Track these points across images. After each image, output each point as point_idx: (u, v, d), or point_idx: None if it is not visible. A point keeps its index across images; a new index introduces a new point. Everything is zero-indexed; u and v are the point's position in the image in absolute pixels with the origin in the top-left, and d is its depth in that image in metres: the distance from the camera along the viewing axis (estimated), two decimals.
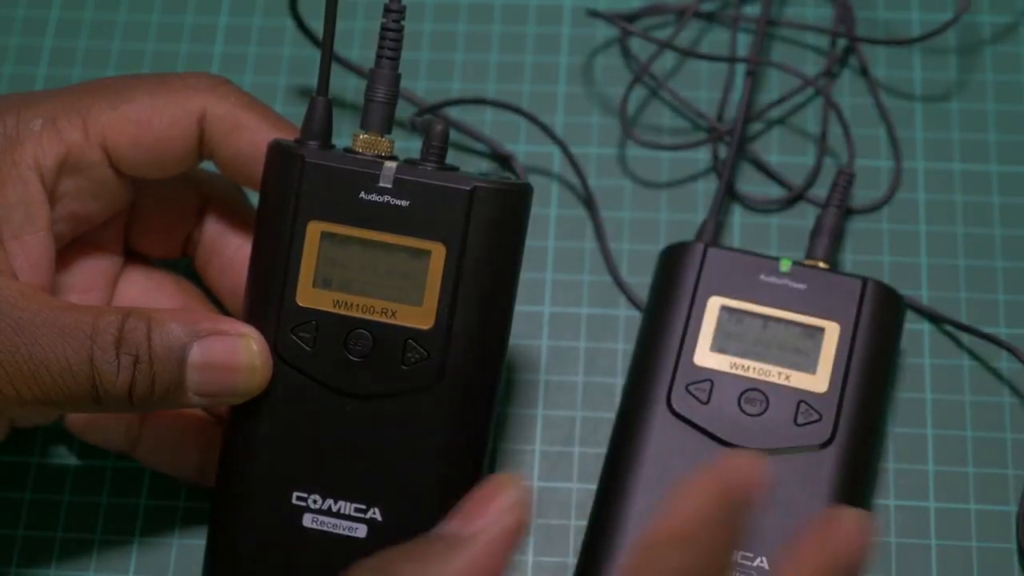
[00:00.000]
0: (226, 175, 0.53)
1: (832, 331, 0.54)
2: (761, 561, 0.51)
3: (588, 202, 0.61)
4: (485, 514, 0.40)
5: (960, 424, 0.57)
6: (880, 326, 0.55)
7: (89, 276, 0.54)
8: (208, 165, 0.54)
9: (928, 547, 0.55)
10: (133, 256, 0.56)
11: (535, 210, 0.51)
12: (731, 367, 0.54)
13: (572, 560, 0.54)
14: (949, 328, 0.59)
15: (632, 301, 0.60)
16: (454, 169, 0.49)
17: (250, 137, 0.51)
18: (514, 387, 0.58)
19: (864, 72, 0.64)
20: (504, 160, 0.62)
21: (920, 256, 0.60)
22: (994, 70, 0.64)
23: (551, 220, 0.61)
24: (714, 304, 0.55)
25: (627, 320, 0.59)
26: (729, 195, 0.61)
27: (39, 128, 0.50)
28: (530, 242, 0.51)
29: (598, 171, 0.62)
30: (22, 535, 0.56)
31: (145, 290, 0.55)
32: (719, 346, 0.54)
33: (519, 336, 0.58)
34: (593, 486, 0.55)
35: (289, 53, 0.66)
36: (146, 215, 0.55)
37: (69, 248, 0.53)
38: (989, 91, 0.63)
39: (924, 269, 0.60)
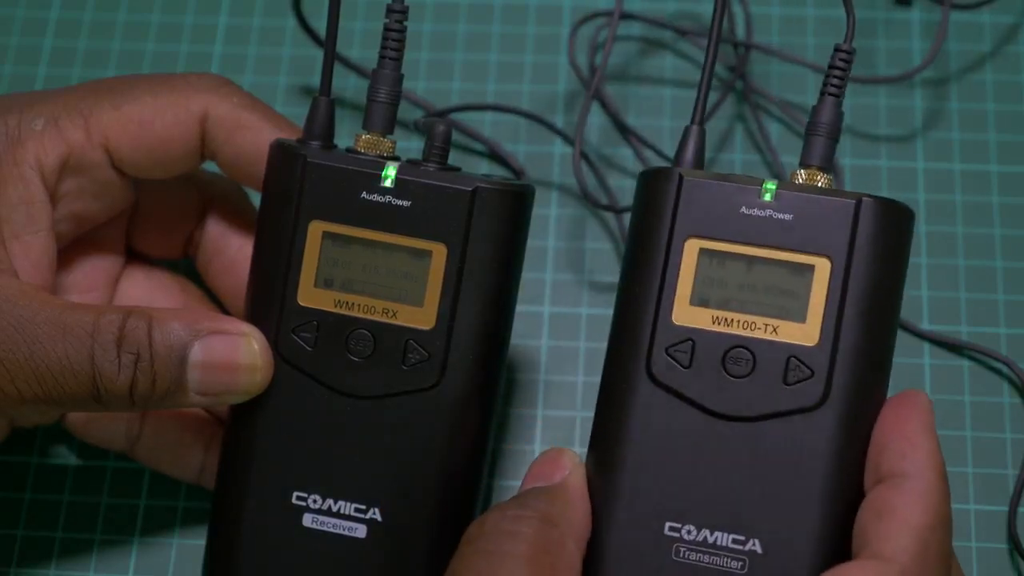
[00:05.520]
0: (228, 175, 0.53)
1: (823, 268, 0.46)
2: (754, 544, 0.46)
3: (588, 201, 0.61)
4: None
5: (960, 424, 0.57)
6: (877, 256, 0.46)
7: (90, 276, 0.54)
8: (210, 166, 0.54)
9: None
10: (135, 256, 0.56)
11: (535, 210, 0.51)
12: (713, 322, 0.47)
13: None
14: (949, 329, 0.59)
15: None
16: (456, 170, 0.49)
17: (252, 137, 0.51)
18: (514, 387, 0.58)
19: None
20: (504, 160, 0.62)
21: (920, 256, 0.60)
22: (994, 70, 0.64)
23: (551, 220, 0.61)
24: (692, 248, 0.47)
25: None
26: None
27: (41, 128, 0.50)
28: (530, 242, 0.51)
29: (599, 171, 0.62)
30: (22, 535, 0.56)
31: (146, 290, 0.55)
32: (699, 298, 0.47)
33: (519, 336, 0.58)
34: None
35: (289, 53, 0.66)
36: (148, 215, 0.55)
37: (71, 248, 0.53)
38: (989, 91, 0.63)
39: (924, 269, 0.60)
